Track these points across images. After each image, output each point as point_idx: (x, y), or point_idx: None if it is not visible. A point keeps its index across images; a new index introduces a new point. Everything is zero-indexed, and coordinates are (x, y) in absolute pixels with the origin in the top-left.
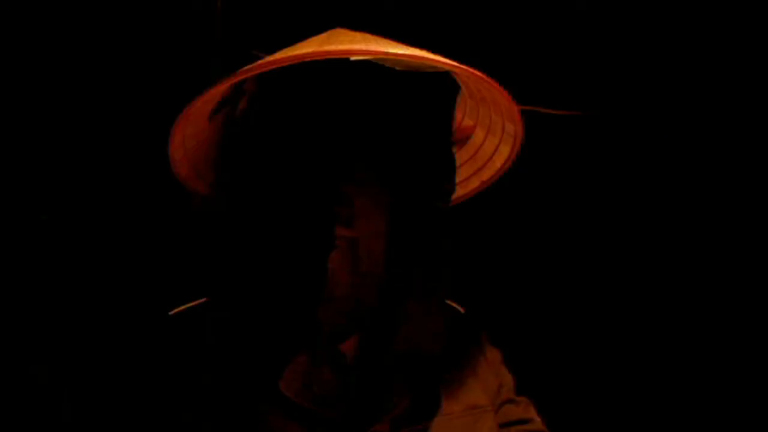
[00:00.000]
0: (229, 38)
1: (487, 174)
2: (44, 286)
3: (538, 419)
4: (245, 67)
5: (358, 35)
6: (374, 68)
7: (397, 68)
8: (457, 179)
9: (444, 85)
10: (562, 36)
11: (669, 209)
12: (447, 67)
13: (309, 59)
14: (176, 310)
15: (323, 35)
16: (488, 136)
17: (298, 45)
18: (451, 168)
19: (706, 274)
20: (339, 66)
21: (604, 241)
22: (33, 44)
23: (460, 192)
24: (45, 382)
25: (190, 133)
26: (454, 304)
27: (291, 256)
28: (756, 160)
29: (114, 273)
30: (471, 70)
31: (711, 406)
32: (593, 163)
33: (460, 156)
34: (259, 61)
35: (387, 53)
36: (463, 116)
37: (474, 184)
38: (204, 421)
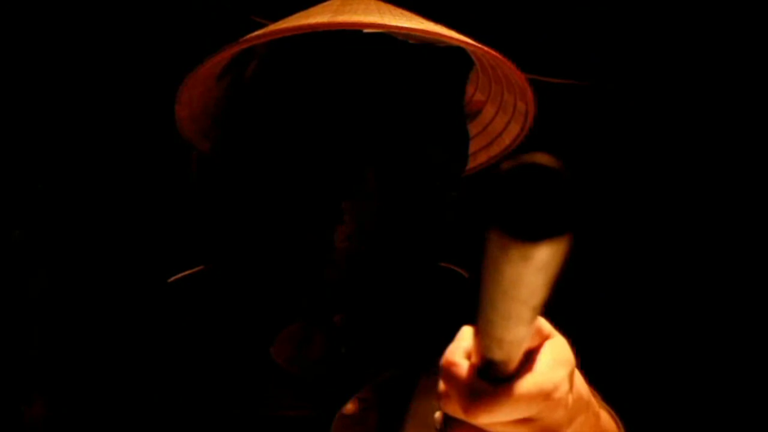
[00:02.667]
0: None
1: (495, 150)
2: (44, 251)
3: None
4: (255, 33)
5: (373, 3)
6: (387, 40)
7: (411, 41)
8: None
9: (457, 60)
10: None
11: (672, 189)
12: (462, 45)
13: (321, 29)
14: (174, 278)
15: (337, 1)
16: (499, 112)
17: (312, 11)
18: (463, 144)
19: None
20: (351, 36)
21: (605, 217)
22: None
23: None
24: (41, 347)
25: (197, 93)
26: (458, 269)
27: (292, 226)
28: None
29: (113, 239)
30: (486, 48)
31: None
32: (603, 138)
33: (469, 129)
34: (271, 28)
35: (401, 27)
36: (474, 90)
37: (482, 158)
38: (197, 385)
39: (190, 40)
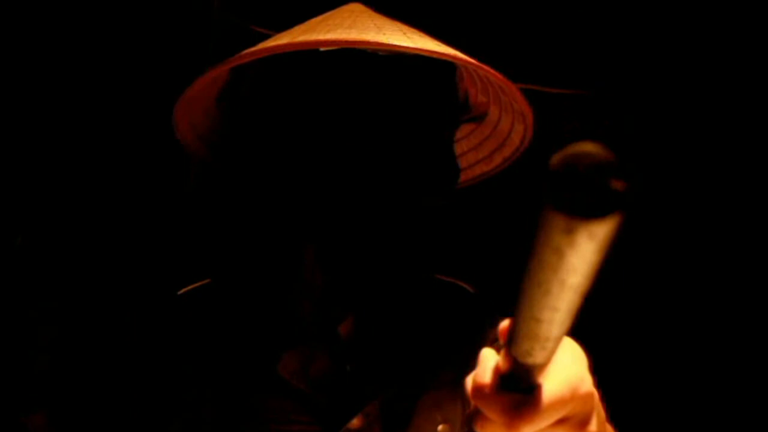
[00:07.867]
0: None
1: (507, 151)
2: (51, 265)
3: None
4: (253, 49)
5: (369, 19)
6: (372, 56)
7: (407, 54)
8: (481, 155)
9: (442, 71)
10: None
11: (670, 194)
12: (457, 61)
13: (323, 47)
14: (183, 290)
15: (334, 15)
16: (503, 113)
17: (311, 25)
18: (451, 164)
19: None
20: (346, 52)
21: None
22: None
23: (484, 168)
24: (43, 356)
25: (200, 105)
26: (463, 284)
27: (291, 240)
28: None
29: (120, 253)
30: (485, 66)
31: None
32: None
33: (481, 132)
34: (272, 44)
35: (398, 46)
36: (476, 93)
37: (497, 161)
38: (204, 399)
39: (193, 47)
